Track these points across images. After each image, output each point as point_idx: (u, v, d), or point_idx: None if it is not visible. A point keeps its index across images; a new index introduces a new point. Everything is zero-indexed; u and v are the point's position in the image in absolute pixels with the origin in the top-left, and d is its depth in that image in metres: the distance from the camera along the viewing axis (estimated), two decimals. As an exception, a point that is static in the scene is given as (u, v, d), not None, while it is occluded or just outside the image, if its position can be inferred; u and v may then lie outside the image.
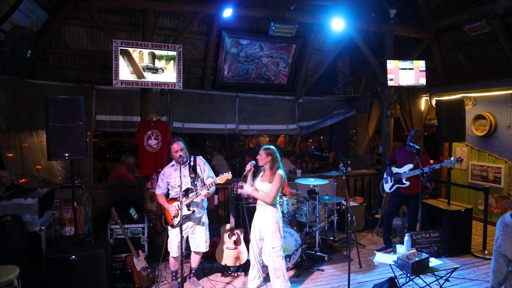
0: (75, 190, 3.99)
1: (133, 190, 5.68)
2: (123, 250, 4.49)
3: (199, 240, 4.25)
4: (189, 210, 4.07)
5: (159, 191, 4.27)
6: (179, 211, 4.03)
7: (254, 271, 4.21)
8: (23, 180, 5.76)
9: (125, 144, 14.78)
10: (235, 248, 4.64)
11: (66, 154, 3.83)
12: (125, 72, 5.10)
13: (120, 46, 5.06)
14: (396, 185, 5.34)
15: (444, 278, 4.00)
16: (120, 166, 6.48)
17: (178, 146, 4.06)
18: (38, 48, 5.36)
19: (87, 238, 4.06)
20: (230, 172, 4.10)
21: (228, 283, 4.50)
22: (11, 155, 5.72)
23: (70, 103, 3.88)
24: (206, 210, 4.35)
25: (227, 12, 5.60)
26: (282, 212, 4.95)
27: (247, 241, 4.91)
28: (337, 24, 6.11)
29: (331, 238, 5.83)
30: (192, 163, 4.18)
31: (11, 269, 3.34)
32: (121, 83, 5.11)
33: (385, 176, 5.57)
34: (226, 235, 4.67)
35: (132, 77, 5.14)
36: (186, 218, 4.12)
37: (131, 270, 4.23)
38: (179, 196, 4.05)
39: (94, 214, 5.48)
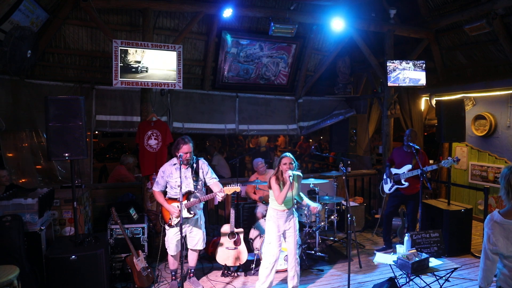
0: (75, 190, 3.99)
1: (133, 190, 5.68)
2: (123, 250, 4.49)
3: (197, 238, 4.25)
4: (190, 213, 4.08)
5: (158, 188, 4.21)
6: (180, 212, 4.04)
7: (272, 275, 4.07)
8: (23, 180, 5.76)
9: (125, 144, 14.79)
10: (235, 248, 4.64)
11: (66, 154, 3.83)
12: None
13: (120, 46, 5.06)
14: (396, 186, 5.34)
15: (444, 278, 4.00)
16: (120, 166, 6.48)
17: (188, 149, 4.02)
18: (38, 48, 5.36)
19: (87, 238, 4.05)
20: (239, 185, 4.09)
21: (228, 283, 4.49)
22: (11, 155, 5.72)
23: (70, 103, 3.87)
24: (202, 210, 4.36)
25: (227, 12, 5.60)
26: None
27: (247, 241, 4.92)
28: (337, 24, 6.11)
29: (331, 238, 5.83)
30: (194, 166, 4.17)
31: (11, 269, 3.34)
32: (121, 83, 5.11)
33: (384, 177, 5.57)
34: (226, 235, 4.67)
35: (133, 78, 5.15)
36: (185, 219, 4.11)
37: (131, 270, 4.23)
38: (178, 197, 4.05)
39: (94, 214, 5.49)
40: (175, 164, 4.17)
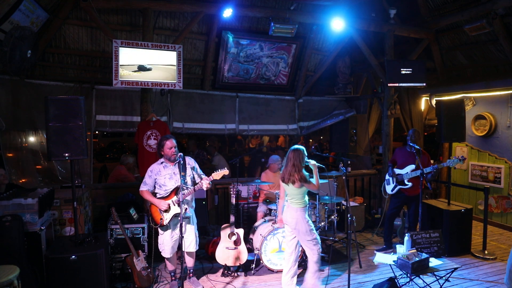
0: (75, 190, 3.99)
1: (133, 190, 5.66)
2: (123, 250, 4.49)
3: (190, 239, 4.21)
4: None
5: (145, 187, 4.16)
6: (171, 207, 4.03)
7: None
8: (23, 180, 5.76)
9: (125, 144, 14.83)
10: (235, 248, 4.64)
11: (66, 154, 3.83)
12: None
13: (120, 46, 5.06)
14: (399, 187, 5.31)
15: (444, 278, 4.00)
16: (120, 166, 6.48)
17: (172, 143, 4.08)
18: (38, 48, 5.37)
19: (87, 238, 4.05)
20: (226, 168, 4.09)
21: (228, 283, 4.49)
22: (11, 155, 5.72)
23: (70, 103, 3.87)
24: (194, 210, 4.33)
25: (227, 12, 5.60)
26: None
27: (247, 241, 4.92)
28: (337, 24, 6.11)
29: (331, 238, 5.83)
30: (181, 162, 4.13)
31: (11, 269, 3.34)
32: (121, 83, 5.11)
33: (387, 177, 5.53)
34: (226, 235, 4.67)
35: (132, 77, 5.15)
36: (177, 217, 4.05)
37: (131, 270, 4.23)
38: (169, 195, 4.06)
39: (94, 214, 5.48)
40: (162, 162, 4.18)
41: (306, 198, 4.08)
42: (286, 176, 3.98)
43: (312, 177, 4.03)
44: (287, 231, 4.17)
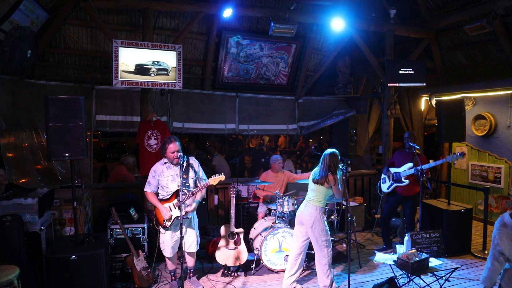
0: (75, 190, 3.99)
1: (133, 190, 5.68)
2: (123, 250, 4.49)
3: (191, 240, 4.21)
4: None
5: (150, 189, 4.15)
6: (172, 210, 4.04)
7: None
8: (23, 180, 5.76)
9: (125, 144, 14.82)
10: (235, 248, 4.64)
11: (66, 154, 3.82)
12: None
13: (120, 46, 5.06)
14: (395, 184, 5.31)
15: (444, 278, 4.00)
16: (120, 166, 6.48)
17: (175, 147, 4.02)
18: (38, 48, 5.37)
19: (87, 238, 4.06)
20: (223, 173, 4.08)
21: (228, 283, 4.50)
22: (11, 155, 5.72)
23: (70, 103, 3.87)
24: (195, 211, 4.32)
25: (227, 12, 5.60)
26: (282, 212, 4.95)
27: (247, 241, 4.92)
28: (337, 24, 6.11)
29: (331, 238, 5.82)
30: (185, 164, 4.10)
31: (11, 269, 3.34)
32: (121, 83, 5.11)
33: (382, 176, 5.54)
34: (226, 235, 4.67)
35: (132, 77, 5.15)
36: (178, 218, 4.04)
37: (131, 270, 4.23)
38: (170, 198, 4.07)
39: (94, 214, 5.48)
40: (165, 163, 4.15)
41: (326, 200, 4.14)
42: (320, 176, 4.05)
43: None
44: (299, 231, 4.18)
